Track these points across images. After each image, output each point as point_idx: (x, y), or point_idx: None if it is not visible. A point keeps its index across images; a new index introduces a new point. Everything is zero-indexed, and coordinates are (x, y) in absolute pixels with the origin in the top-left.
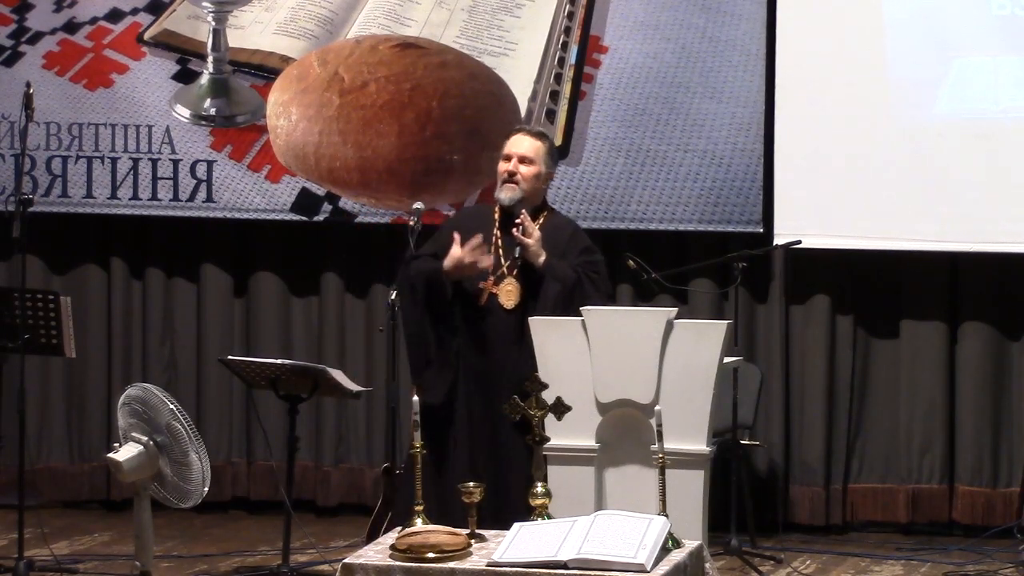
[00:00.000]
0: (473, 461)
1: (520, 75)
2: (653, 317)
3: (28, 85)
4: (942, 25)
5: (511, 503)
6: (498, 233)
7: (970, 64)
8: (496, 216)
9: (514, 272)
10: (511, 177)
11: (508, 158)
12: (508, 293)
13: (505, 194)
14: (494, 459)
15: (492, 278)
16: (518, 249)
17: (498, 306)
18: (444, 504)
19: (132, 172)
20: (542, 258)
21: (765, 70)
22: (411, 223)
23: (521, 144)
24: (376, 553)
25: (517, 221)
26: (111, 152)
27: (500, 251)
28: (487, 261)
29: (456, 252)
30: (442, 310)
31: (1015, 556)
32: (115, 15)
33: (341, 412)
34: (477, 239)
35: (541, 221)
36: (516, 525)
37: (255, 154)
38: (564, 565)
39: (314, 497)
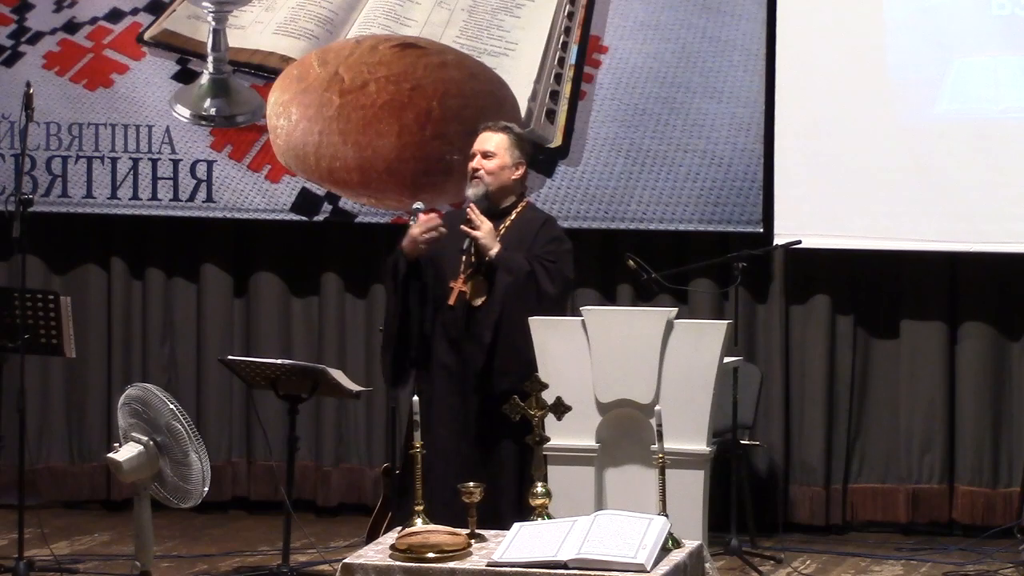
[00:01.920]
0: (448, 459)
1: (520, 75)
2: (653, 317)
3: (28, 85)
4: (942, 25)
5: (493, 499)
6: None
7: (970, 64)
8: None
9: (482, 269)
10: (475, 173)
11: (472, 156)
12: (476, 291)
13: (471, 190)
14: (470, 457)
15: (462, 276)
16: (467, 241)
17: (467, 304)
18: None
19: (132, 172)
20: (493, 250)
21: (765, 70)
22: (411, 223)
23: (483, 140)
24: (376, 553)
25: (468, 216)
26: (111, 152)
27: (474, 249)
28: (438, 232)
29: (412, 230)
30: (409, 294)
31: (1015, 556)
32: (115, 15)
33: (341, 412)
34: (432, 216)
35: (513, 216)
36: (516, 525)
37: (255, 154)
38: (564, 565)
39: (314, 497)
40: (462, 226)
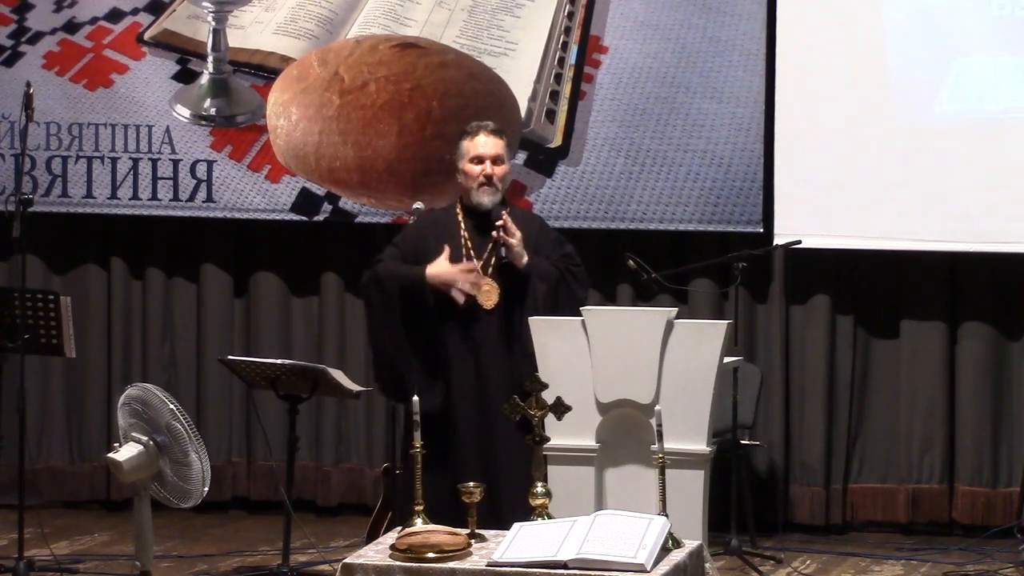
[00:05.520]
0: (466, 464)
1: (520, 75)
2: (653, 317)
3: (28, 85)
4: (942, 25)
5: (506, 505)
6: (466, 235)
7: (970, 64)
8: (460, 218)
9: (489, 272)
10: (489, 180)
11: (480, 160)
12: (487, 294)
13: (487, 198)
14: (488, 461)
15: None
16: (503, 250)
17: (478, 308)
18: (440, 506)
19: (132, 172)
20: (525, 258)
21: (765, 70)
22: (411, 223)
23: (490, 145)
24: (376, 553)
25: (498, 223)
26: (111, 152)
27: (472, 252)
28: (473, 283)
29: (447, 266)
30: (419, 316)
31: (1015, 556)
32: (115, 15)
33: (341, 412)
34: (472, 264)
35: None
36: (516, 525)
37: (255, 154)
38: (564, 565)
39: (314, 497)
40: (495, 232)
